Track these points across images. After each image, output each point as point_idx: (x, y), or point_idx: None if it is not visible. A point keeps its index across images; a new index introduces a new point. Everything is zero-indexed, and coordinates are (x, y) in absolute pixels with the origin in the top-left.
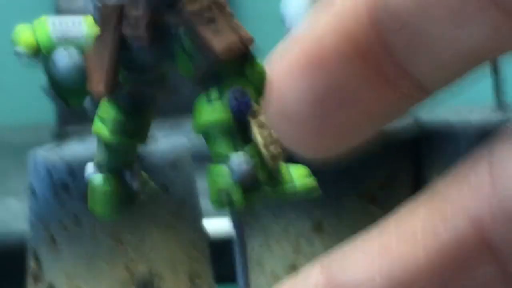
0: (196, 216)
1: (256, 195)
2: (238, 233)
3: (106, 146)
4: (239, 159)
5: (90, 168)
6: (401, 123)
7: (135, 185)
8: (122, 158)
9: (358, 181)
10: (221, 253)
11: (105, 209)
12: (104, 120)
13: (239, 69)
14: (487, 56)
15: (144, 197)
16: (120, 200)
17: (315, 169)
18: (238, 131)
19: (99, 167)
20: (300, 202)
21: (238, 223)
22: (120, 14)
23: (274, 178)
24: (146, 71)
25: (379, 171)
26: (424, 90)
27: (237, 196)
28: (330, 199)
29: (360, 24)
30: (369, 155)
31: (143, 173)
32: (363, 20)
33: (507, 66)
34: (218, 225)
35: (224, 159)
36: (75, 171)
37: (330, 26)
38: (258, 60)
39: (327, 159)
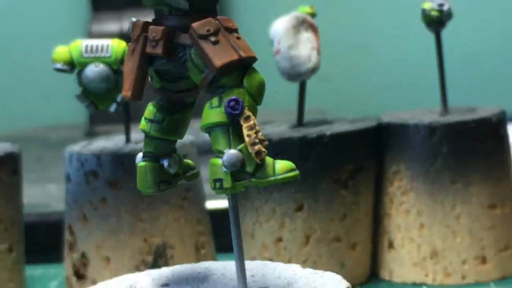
0: (200, 199)
1: (245, 184)
2: (234, 213)
3: (149, 139)
4: (230, 155)
5: (139, 157)
6: (367, 124)
7: (172, 170)
8: (162, 149)
9: (332, 171)
10: (221, 228)
11: (147, 187)
12: (148, 120)
13: (239, 81)
14: None
15: (186, 180)
16: (160, 181)
17: (297, 162)
18: (234, 132)
19: (144, 156)
20: (285, 188)
21: (234, 205)
22: (146, 36)
23: (260, 170)
24: (176, 81)
25: (349, 163)
26: None
27: (228, 184)
28: (309, 185)
29: None
30: (341, 150)
31: (188, 161)
32: None
33: (451, 75)
34: (219, 205)
35: (221, 154)
36: (102, 162)
37: None
38: (256, 73)
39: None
